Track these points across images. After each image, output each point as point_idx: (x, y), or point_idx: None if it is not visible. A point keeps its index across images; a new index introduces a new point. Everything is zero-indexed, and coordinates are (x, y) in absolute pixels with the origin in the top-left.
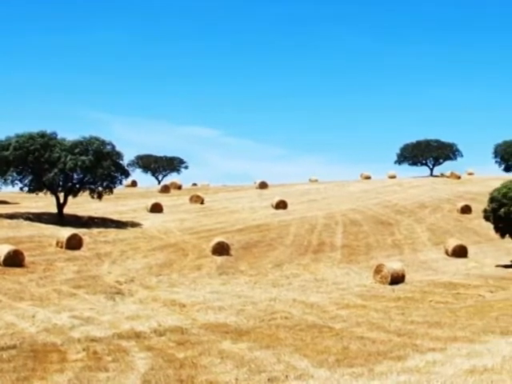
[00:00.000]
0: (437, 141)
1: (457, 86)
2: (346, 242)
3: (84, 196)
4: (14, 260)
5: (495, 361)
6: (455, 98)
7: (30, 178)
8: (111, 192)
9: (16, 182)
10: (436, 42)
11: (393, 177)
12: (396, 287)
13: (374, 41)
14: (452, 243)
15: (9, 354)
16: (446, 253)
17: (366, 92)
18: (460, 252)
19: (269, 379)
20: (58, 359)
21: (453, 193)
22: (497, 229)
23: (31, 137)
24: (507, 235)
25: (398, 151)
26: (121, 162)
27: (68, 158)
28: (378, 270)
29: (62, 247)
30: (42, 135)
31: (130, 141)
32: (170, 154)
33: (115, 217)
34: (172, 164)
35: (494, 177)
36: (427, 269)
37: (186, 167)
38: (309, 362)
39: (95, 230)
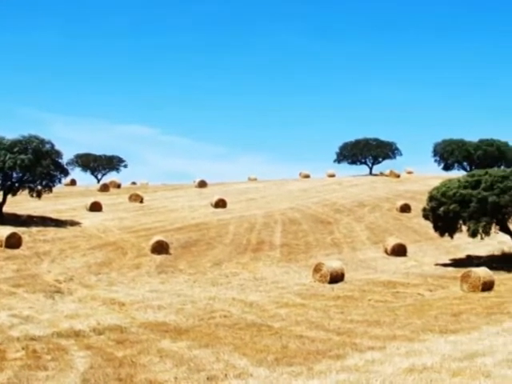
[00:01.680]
0: (376, 139)
1: (396, 84)
2: (285, 241)
3: (23, 195)
4: None
5: (434, 360)
6: (394, 96)
7: None
8: (50, 191)
9: None
10: (375, 41)
11: (332, 175)
12: (335, 286)
13: (313, 39)
14: (391, 242)
15: None
16: (385, 251)
17: (305, 90)
18: (399, 251)
19: (208, 378)
20: None
21: (392, 191)
22: (436, 227)
23: None
24: (446, 234)
25: (338, 150)
26: (60, 160)
27: (7, 157)
28: (317, 268)
29: (1, 246)
30: None
31: (69, 140)
32: (109, 153)
33: (54, 215)
34: (111, 163)
35: (433, 175)
36: (366, 267)
37: (125, 166)
38: (248, 360)
39: (34, 229)
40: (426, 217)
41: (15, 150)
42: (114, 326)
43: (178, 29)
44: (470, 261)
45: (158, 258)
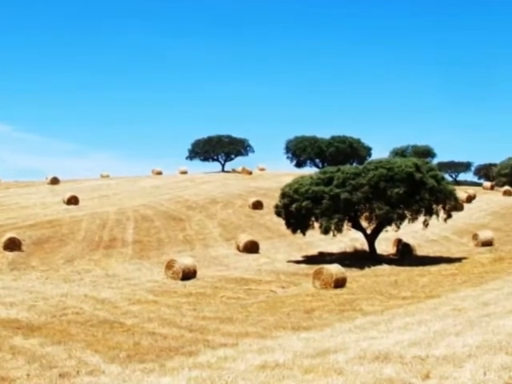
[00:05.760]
0: (228, 136)
1: (247, 81)
2: (137, 238)
3: None
4: None
5: (287, 356)
6: (246, 93)
7: None
8: None
9: None
10: (226, 38)
11: (184, 172)
12: (188, 283)
13: (163, 36)
14: (243, 239)
15: None
16: (238, 248)
17: (156, 87)
18: (251, 247)
19: (60, 375)
20: None
21: (244, 188)
22: (288, 224)
23: None
24: (299, 231)
25: (190, 147)
26: None
27: None
28: (169, 265)
29: None
30: None
31: None
32: None
33: None
34: None
35: (285, 172)
36: (219, 264)
37: None
38: (100, 357)
39: None
40: (278, 214)
41: None
42: None
43: (29, 26)
44: (322, 257)
45: (10, 254)
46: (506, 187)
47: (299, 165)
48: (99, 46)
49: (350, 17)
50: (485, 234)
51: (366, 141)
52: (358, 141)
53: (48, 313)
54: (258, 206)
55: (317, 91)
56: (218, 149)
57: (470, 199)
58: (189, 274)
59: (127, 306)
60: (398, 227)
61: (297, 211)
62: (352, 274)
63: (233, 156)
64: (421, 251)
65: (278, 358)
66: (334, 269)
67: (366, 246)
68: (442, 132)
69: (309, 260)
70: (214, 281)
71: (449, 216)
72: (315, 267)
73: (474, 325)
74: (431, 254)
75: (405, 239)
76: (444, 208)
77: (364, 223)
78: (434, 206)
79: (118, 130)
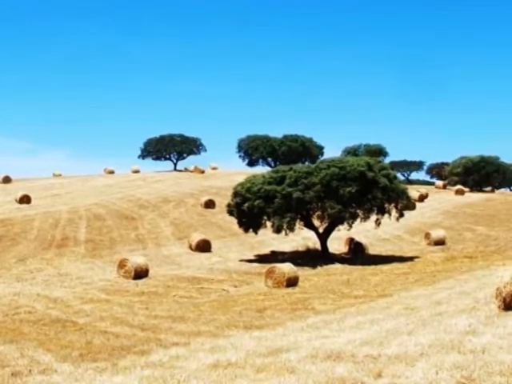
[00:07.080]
0: (180, 135)
1: (200, 80)
2: (89, 237)
3: None
4: None
5: (239, 355)
6: (198, 92)
7: None
8: None
9: None
10: (175, 35)
11: (136, 171)
12: (140, 282)
13: (116, 34)
14: (196, 238)
15: None
16: (190, 247)
17: (108, 85)
18: (204, 246)
19: (12, 374)
20: None
21: (196, 187)
22: (240, 223)
23: None
24: (251, 230)
25: (142, 146)
26: None
27: None
28: (121, 264)
29: None
30: None
31: None
32: None
33: None
34: None
35: (237, 171)
36: (171, 263)
37: None
38: (52, 356)
39: None
40: (230, 213)
41: None
42: None
43: None
44: (274, 256)
45: None
46: (458, 186)
47: (251, 164)
48: (50, 44)
49: (302, 15)
50: (437, 233)
51: (318, 140)
52: (310, 140)
53: (0, 312)
54: (210, 204)
55: (269, 90)
56: (171, 148)
57: (422, 198)
58: (141, 273)
59: (79, 305)
60: (351, 226)
61: (249, 210)
62: (304, 272)
63: (185, 155)
64: (373, 250)
65: (231, 357)
66: (287, 268)
67: (318, 245)
68: (394, 131)
69: (261, 259)
70: (166, 280)
71: (401, 215)
72: (267, 266)
73: (427, 324)
74: (383, 253)
75: (357, 238)
76: (396, 207)
77: (316, 222)
78: (387, 205)
79: (70, 128)
